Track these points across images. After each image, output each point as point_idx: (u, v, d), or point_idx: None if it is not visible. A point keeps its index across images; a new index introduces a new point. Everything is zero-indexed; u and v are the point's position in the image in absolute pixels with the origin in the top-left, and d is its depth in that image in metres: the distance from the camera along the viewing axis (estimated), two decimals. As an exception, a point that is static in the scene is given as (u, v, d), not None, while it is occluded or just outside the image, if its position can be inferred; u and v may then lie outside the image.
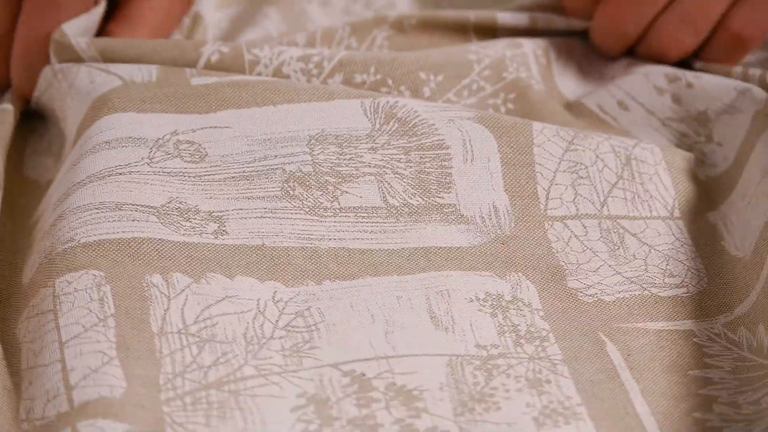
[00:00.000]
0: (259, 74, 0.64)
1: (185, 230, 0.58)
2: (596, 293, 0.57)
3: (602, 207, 0.60)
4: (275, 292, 0.56)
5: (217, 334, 0.54)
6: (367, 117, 0.60)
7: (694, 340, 0.56)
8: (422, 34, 0.70)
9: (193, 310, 0.54)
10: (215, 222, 0.58)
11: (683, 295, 0.58)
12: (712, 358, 0.55)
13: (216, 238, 0.57)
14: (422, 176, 0.59)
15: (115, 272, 0.55)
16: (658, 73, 0.67)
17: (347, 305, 0.56)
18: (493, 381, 0.53)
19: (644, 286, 0.58)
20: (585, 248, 0.59)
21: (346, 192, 0.59)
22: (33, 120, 0.69)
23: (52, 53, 0.66)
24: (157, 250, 0.57)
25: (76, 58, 0.65)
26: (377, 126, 0.60)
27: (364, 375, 0.52)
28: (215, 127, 0.60)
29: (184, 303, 0.55)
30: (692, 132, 0.65)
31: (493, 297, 0.56)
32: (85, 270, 0.56)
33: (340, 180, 0.59)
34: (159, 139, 0.60)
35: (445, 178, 0.59)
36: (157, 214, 0.58)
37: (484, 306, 0.56)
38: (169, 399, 0.51)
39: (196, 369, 0.52)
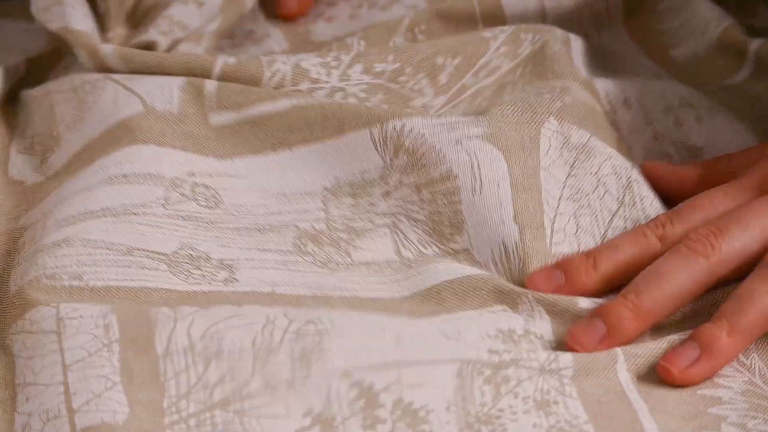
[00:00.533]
0: (277, 71, 0.64)
1: (195, 279, 0.57)
2: None
3: (602, 240, 0.60)
4: (286, 311, 0.55)
5: (224, 348, 0.53)
6: (378, 152, 0.60)
7: None
8: (435, 38, 0.70)
9: (200, 328, 0.54)
10: (226, 270, 0.58)
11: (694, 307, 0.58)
12: (723, 377, 0.54)
13: (226, 285, 0.57)
14: (435, 218, 0.59)
15: (122, 307, 0.55)
16: (674, 93, 0.67)
17: (358, 320, 0.55)
18: (501, 401, 0.52)
19: None
20: None
21: (360, 248, 0.59)
22: (9, 113, 0.69)
23: (83, 57, 0.66)
24: (164, 299, 0.57)
25: (101, 63, 0.65)
26: (388, 162, 0.60)
27: (372, 387, 0.52)
28: (231, 176, 0.60)
29: (191, 323, 0.54)
30: (678, 157, 0.65)
31: (505, 332, 0.55)
32: (92, 303, 0.56)
33: (353, 236, 0.59)
34: (176, 177, 0.60)
35: (456, 217, 0.59)
36: (167, 261, 0.57)
37: (495, 340, 0.55)
38: (173, 423, 0.51)
39: (201, 389, 0.52)
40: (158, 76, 0.64)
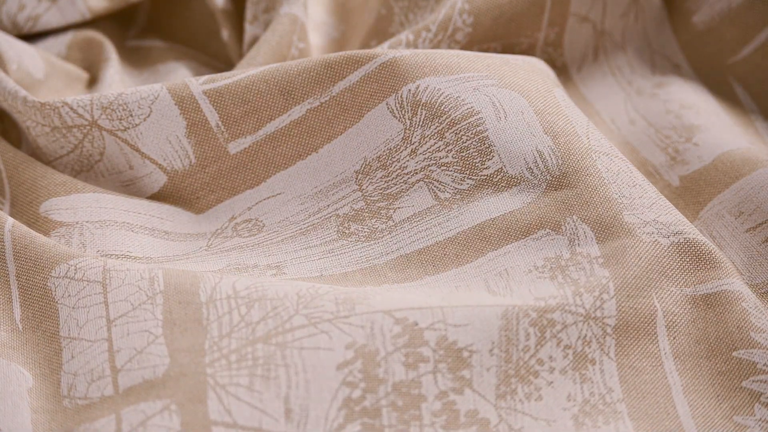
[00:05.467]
0: None
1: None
2: (653, 232, 0.55)
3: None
4: (332, 285, 0.55)
5: (268, 293, 0.53)
6: (397, 117, 0.60)
7: (743, 305, 0.54)
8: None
9: (244, 282, 0.54)
10: (274, 269, 0.58)
11: None
12: (759, 333, 0.53)
13: (274, 276, 0.58)
14: (463, 154, 0.59)
15: (169, 267, 0.56)
16: (675, 101, 0.67)
17: (403, 287, 0.55)
18: (543, 348, 0.51)
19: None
20: (635, 183, 0.57)
21: (399, 208, 0.59)
22: None
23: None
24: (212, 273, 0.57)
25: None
26: (407, 122, 0.60)
27: (416, 324, 0.51)
28: (269, 198, 0.61)
29: (236, 280, 0.54)
30: (675, 135, 0.66)
31: (552, 259, 0.55)
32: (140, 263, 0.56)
33: (391, 201, 0.59)
34: (217, 229, 0.61)
35: (483, 143, 0.58)
36: (218, 273, 0.58)
37: (543, 272, 0.54)
38: (213, 360, 0.50)
39: (243, 327, 0.51)
40: (156, 120, 0.62)
